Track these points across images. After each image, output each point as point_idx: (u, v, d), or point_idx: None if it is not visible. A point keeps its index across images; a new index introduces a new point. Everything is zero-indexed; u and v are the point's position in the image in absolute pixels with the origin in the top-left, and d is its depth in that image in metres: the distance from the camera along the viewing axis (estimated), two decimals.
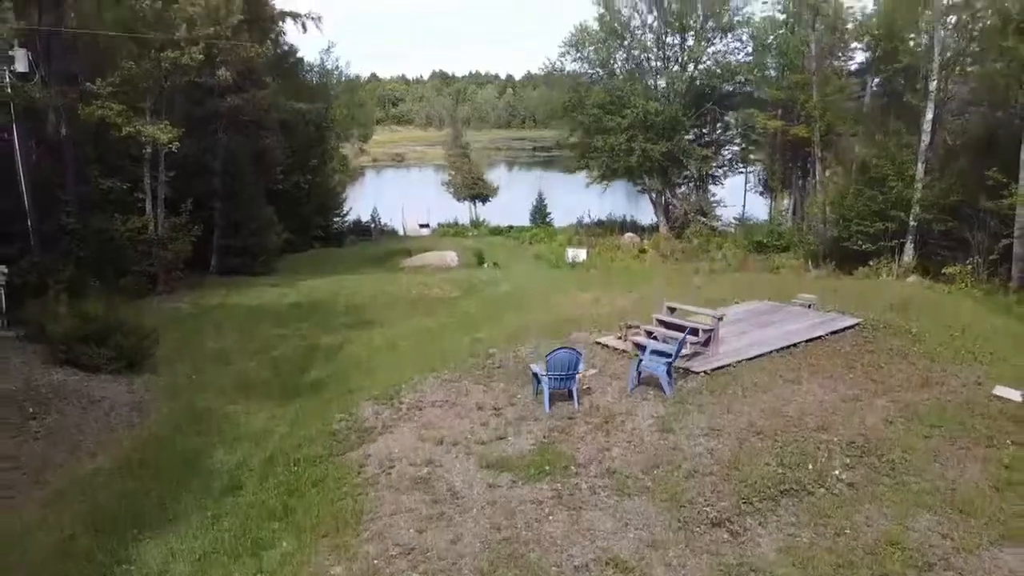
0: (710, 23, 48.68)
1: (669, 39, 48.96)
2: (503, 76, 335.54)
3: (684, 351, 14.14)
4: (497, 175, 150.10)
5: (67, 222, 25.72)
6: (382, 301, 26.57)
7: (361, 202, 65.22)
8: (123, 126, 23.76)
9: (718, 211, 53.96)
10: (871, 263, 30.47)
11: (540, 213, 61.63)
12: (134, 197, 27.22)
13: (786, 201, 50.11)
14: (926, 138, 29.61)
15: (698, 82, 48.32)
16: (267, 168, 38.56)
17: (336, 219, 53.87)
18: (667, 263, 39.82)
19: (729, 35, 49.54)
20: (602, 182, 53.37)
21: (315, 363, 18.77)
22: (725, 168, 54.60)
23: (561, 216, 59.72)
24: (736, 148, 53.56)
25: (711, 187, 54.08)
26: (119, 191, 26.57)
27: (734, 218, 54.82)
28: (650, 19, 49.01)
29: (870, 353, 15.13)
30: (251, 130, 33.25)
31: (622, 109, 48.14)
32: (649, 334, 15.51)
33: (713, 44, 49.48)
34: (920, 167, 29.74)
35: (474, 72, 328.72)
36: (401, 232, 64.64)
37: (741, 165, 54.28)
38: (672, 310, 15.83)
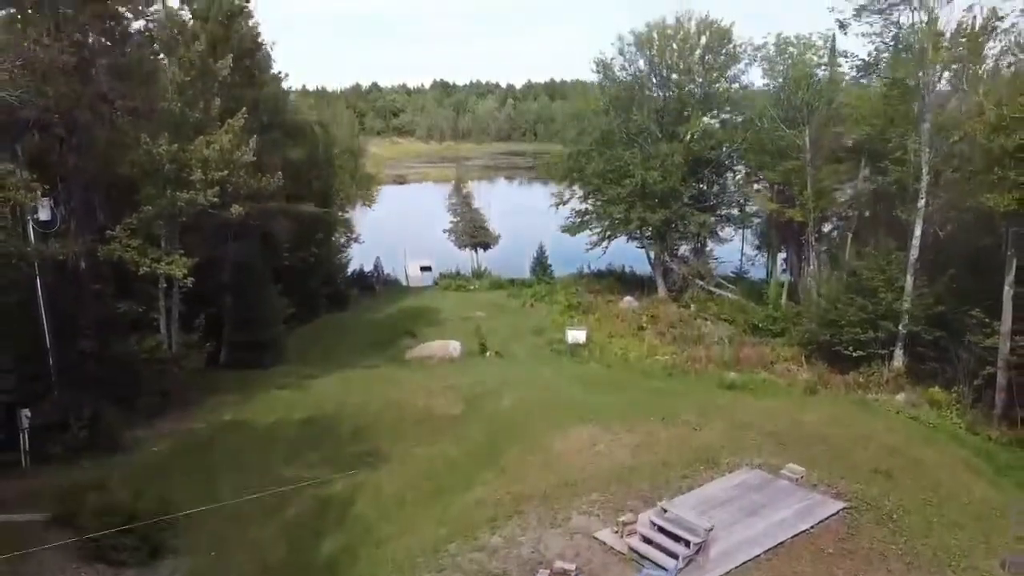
0: (712, 86, 50.01)
1: (669, 103, 50.10)
2: (504, 85, 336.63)
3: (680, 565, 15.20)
4: (498, 189, 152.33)
5: (85, 345, 26.70)
6: (389, 419, 27.48)
7: (365, 232, 65.35)
8: (141, 266, 24.69)
9: (716, 260, 55.34)
10: (862, 369, 31.61)
11: (541, 265, 62.55)
12: (149, 317, 28.14)
13: (781, 255, 51.05)
14: (915, 252, 30.60)
15: (695, 147, 49.17)
16: (273, 249, 39.52)
17: (341, 278, 54.78)
18: (663, 344, 40.75)
19: (727, 105, 50.82)
20: (601, 243, 54.38)
21: (328, 526, 19.77)
22: (724, 224, 55.53)
23: (562, 261, 60.75)
24: (735, 211, 54.43)
25: (709, 241, 54.97)
26: (134, 313, 27.50)
27: (732, 272, 55.96)
28: (650, 87, 50.13)
29: (850, 559, 16.10)
30: (259, 227, 34.19)
31: (621, 179, 49.18)
32: (645, 538, 16.50)
33: (711, 112, 50.70)
34: (909, 279, 30.73)
35: (475, 82, 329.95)
36: (404, 281, 65.87)
37: (739, 224, 55.25)
38: (665, 511, 16.81)
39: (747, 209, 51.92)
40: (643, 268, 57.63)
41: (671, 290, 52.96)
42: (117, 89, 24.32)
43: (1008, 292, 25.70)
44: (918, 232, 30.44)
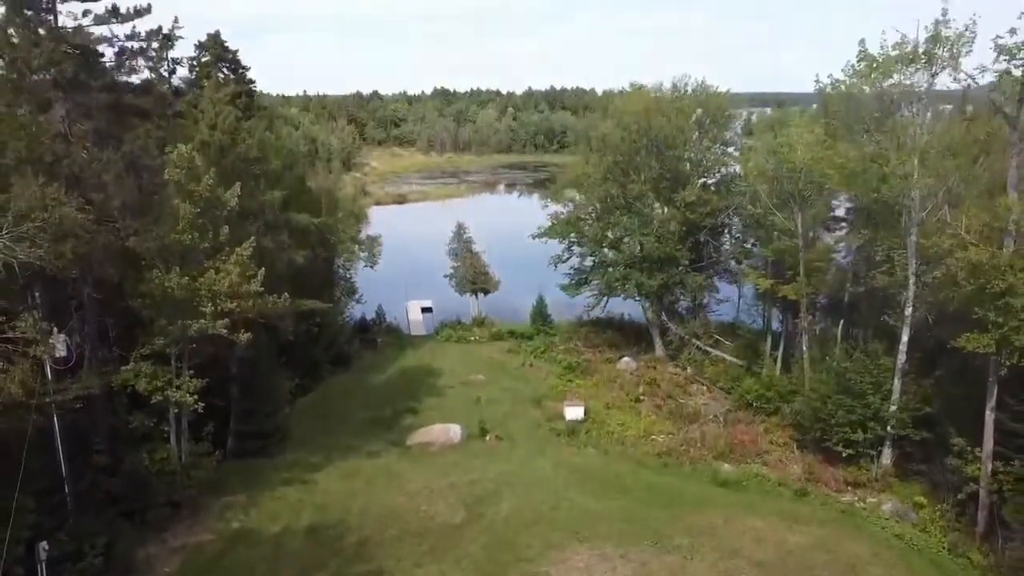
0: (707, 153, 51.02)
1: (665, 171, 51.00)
2: (504, 91, 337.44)
3: None
4: (501, 202, 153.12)
5: (99, 460, 27.72)
6: (392, 531, 28.43)
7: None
8: (153, 395, 25.66)
9: (714, 310, 56.33)
10: (850, 468, 32.62)
11: (540, 315, 63.36)
12: (159, 429, 29.09)
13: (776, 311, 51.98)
14: (902, 357, 31.52)
15: (691, 215, 50.01)
16: (278, 333, 40.34)
17: (343, 338, 55.57)
18: (659, 418, 41.76)
19: (720, 173, 51.85)
20: (599, 302, 55.34)
21: None
22: (722, 279, 56.39)
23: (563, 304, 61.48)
24: (732, 263, 55.29)
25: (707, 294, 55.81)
26: (145, 428, 28.46)
27: (730, 318, 56.88)
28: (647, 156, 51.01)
29: None
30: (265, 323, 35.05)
31: (619, 243, 50.15)
32: None
33: (707, 178, 51.65)
34: (897, 383, 31.65)
35: (475, 89, 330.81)
36: (406, 327, 66.92)
37: (735, 282, 56.15)
38: None
39: (742, 270, 52.66)
40: (641, 314, 58.42)
41: (668, 348, 53.89)
42: (131, 226, 25.22)
43: (989, 416, 26.60)
44: (905, 338, 31.36)
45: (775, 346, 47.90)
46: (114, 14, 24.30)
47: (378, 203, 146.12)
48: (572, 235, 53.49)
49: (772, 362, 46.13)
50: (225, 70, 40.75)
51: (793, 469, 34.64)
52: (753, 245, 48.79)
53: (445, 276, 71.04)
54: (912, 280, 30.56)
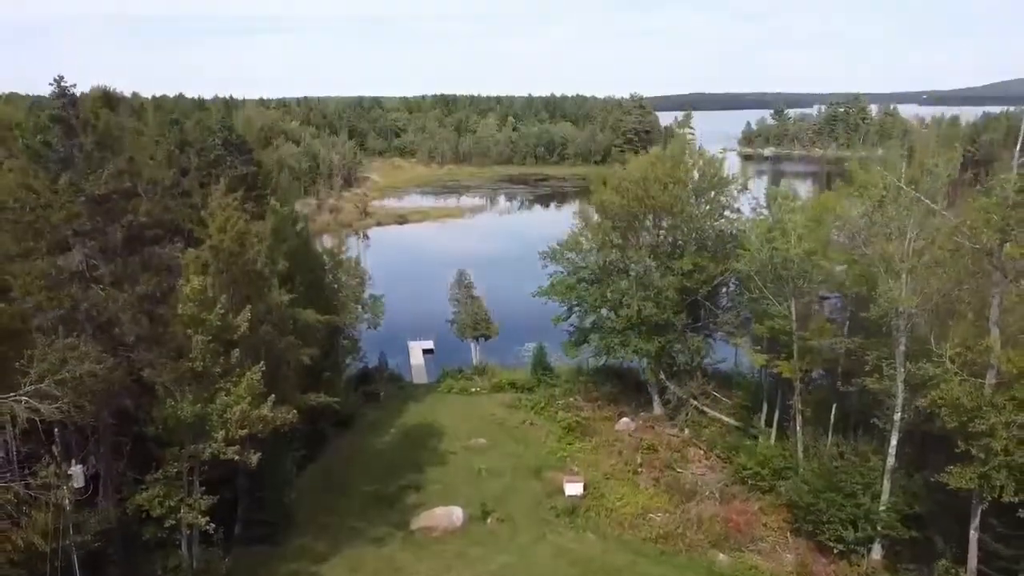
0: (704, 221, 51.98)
1: (663, 240, 51.99)
2: (504, 95, 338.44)
3: None
4: (500, 223, 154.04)
5: (113, 571, 28.73)
6: None
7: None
8: (166, 519, 26.67)
9: (711, 363, 57.31)
10: (843, 562, 33.64)
11: (540, 364, 64.31)
12: (172, 537, 30.09)
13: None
14: (891, 460, 32.50)
15: (688, 283, 50.89)
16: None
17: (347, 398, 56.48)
18: (657, 492, 42.80)
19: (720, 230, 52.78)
20: (599, 359, 56.36)
21: None
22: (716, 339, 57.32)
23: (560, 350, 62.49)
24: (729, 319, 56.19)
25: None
26: (158, 538, 29.46)
27: (731, 365, 57.87)
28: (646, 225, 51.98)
29: None
30: None
31: (619, 309, 51.14)
32: None
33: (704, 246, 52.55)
34: (887, 484, 32.63)
35: (475, 95, 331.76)
36: (407, 375, 68.15)
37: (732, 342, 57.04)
38: None
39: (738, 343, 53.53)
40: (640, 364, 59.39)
41: (666, 407, 54.87)
42: (146, 357, 26.18)
43: (973, 535, 27.56)
44: (894, 441, 32.33)
45: (771, 409, 48.84)
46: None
47: (379, 224, 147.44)
48: (572, 298, 54.43)
49: (767, 428, 47.09)
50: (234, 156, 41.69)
51: (787, 557, 35.65)
52: (747, 318, 49.68)
53: (447, 321, 72.04)
54: (901, 388, 31.49)
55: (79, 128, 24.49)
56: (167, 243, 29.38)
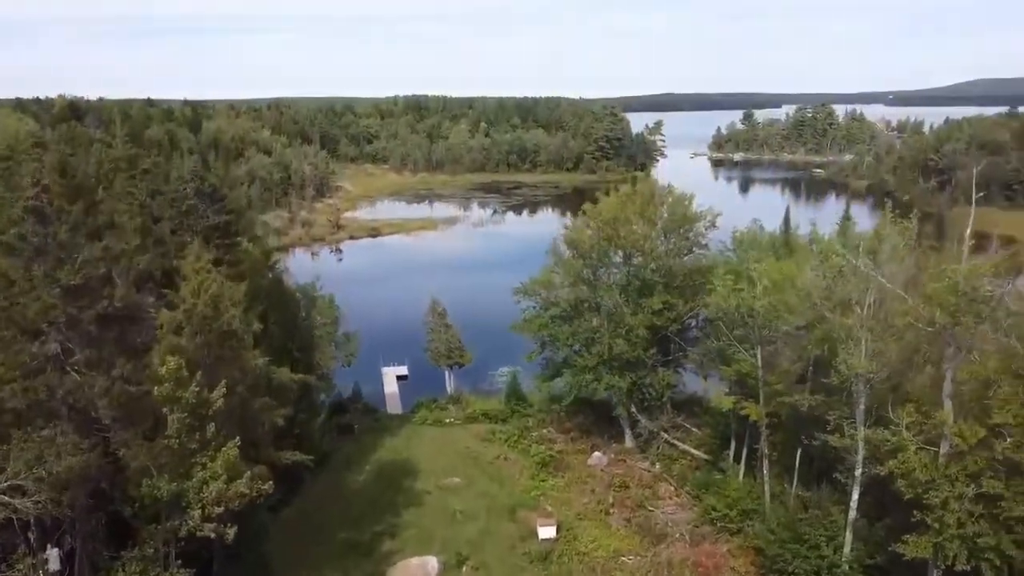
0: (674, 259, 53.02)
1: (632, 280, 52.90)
2: (476, 96, 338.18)
3: None
4: (472, 235, 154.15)
5: None
6: None
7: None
8: None
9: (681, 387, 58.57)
10: None
11: (514, 393, 65.03)
12: None
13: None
14: (853, 513, 33.64)
15: (658, 321, 51.85)
16: None
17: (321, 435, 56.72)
18: (629, 533, 43.73)
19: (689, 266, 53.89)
20: (571, 393, 57.17)
21: None
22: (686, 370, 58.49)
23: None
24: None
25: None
26: None
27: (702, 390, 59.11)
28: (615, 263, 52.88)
29: None
30: None
31: (590, 346, 52.03)
32: None
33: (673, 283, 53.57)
34: (848, 536, 33.77)
35: (448, 96, 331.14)
36: (381, 405, 68.65)
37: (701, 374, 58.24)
38: None
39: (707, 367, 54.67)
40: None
41: (638, 440, 55.87)
42: (121, 437, 26.40)
43: None
44: (855, 496, 33.45)
45: (739, 445, 49.97)
46: None
47: (352, 238, 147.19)
48: (544, 335, 55.19)
49: (735, 464, 48.24)
50: (206, 204, 41.84)
51: None
52: (715, 358, 50.73)
53: (423, 349, 72.43)
54: (861, 445, 32.58)
55: (52, 217, 24.61)
56: (141, 293, 29.52)
